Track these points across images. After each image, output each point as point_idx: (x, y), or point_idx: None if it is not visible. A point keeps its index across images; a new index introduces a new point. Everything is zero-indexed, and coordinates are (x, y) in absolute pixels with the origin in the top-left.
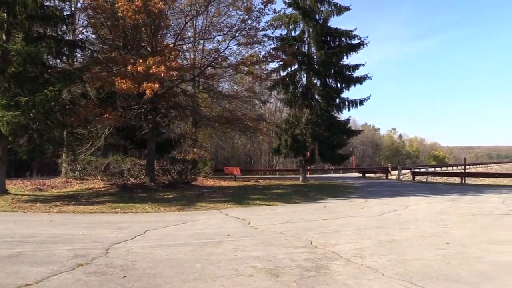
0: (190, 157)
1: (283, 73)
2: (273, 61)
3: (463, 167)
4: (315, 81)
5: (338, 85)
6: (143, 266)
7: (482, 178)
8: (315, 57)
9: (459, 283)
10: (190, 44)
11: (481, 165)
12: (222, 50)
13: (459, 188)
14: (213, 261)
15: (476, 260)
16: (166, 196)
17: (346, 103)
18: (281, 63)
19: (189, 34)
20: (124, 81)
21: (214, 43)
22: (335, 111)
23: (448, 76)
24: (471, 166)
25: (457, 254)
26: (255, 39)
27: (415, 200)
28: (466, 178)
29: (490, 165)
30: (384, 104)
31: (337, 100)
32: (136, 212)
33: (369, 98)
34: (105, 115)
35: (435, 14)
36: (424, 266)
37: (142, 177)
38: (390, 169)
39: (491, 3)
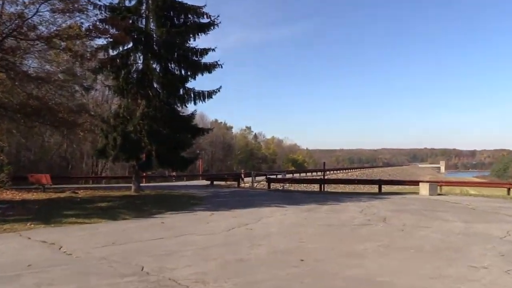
0: None
1: (113, 53)
2: (100, 37)
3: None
4: (154, 66)
5: (183, 72)
6: None
7: (343, 185)
8: (155, 35)
9: None
10: None
11: (342, 170)
12: (30, 16)
13: (317, 197)
14: None
15: (331, 276)
16: None
17: (192, 95)
18: (110, 39)
19: None
20: None
21: (18, 5)
22: (179, 104)
23: (308, 74)
24: (332, 172)
25: (312, 271)
26: (75, 5)
27: (270, 212)
28: (325, 185)
29: (352, 170)
30: (239, 99)
31: (181, 91)
32: None
33: (219, 90)
34: None
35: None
36: (275, 287)
37: None
38: (243, 176)
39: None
